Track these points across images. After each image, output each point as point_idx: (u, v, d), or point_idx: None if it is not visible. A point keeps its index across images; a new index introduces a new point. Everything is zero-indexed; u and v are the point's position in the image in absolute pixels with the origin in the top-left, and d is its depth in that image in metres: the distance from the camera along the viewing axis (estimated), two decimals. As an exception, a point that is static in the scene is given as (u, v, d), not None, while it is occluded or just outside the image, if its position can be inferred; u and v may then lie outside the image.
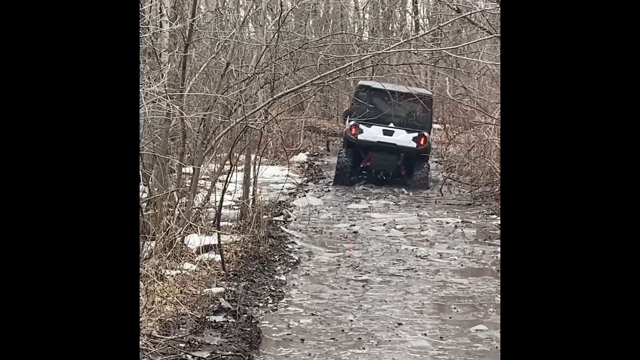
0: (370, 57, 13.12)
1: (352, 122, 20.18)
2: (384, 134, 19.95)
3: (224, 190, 12.34)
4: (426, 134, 20.11)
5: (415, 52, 13.44)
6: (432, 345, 8.96)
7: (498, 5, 12.71)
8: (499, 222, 16.03)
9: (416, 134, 19.89)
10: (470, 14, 13.56)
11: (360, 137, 20.05)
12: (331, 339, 8.99)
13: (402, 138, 19.95)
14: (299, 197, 18.19)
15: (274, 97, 13.19)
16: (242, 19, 14.28)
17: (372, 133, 19.96)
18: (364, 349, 8.70)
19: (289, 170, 19.04)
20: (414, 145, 19.98)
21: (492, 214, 16.99)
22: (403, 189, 20.09)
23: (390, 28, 34.80)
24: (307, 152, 25.53)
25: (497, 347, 8.94)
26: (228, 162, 12.98)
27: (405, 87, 19.46)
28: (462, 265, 12.76)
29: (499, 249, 13.78)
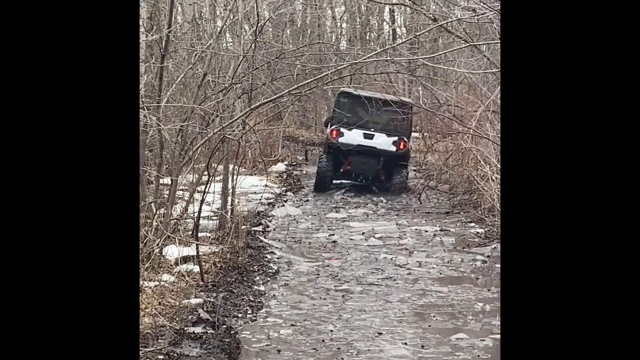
0: (348, 66, 13.12)
1: (333, 127, 20.51)
2: (365, 137, 20.27)
3: (202, 201, 12.31)
4: (406, 139, 20.45)
5: (393, 61, 13.46)
6: (412, 354, 8.95)
7: (474, 14, 12.74)
8: (477, 230, 16.07)
9: (396, 138, 20.25)
10: (447, 23, 13.60)
11: (341, 140, 20.36)
12: (313, 349, 8.96)
13: (382, 142, 20.27)
14: (278, 207, 18.17)
15: (252, 107, 13.18)
16: (219, 29, 14.26)
17: (353, 136, 20.25)
18: (342, 359, 8.68)
19: (267, 180, 19.02)
20: (394, 149, 20.31)
21: (471, 222, 17.02)
22: (382, 198, 20.12)
23: (367, 37, 34.85)
24: (286, 162, 25.51)
25: (478, 356, 8.94)
26: (206, 172, 12.94)
27: (386, 95, 19.56)
28: (440, 273, 12.76)
29: (477, 257, 13.82)
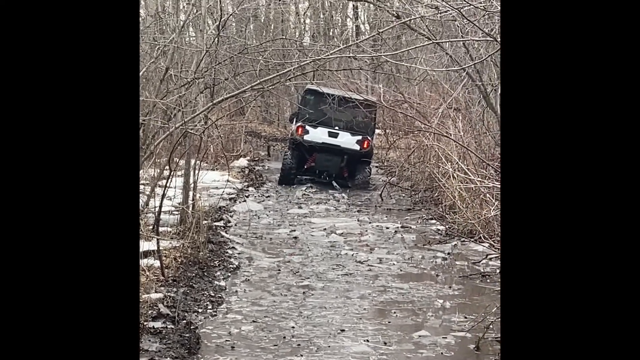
0: (311, 62, 13.11)
1: (298, 123, 20.88)
2: (329, 135, 20.73)
3: (163, 196, 12.26)
4: (369, 138, 20.90)
5: (355, 57, 13.47)
6: (374, 351, 8.97)
7: (437, 12, 12.77)
8: (438, 228, 16.13)
9: (360, 137, 20.70)
10: (410, 20, 13.62)
11: (306, 137, 20.79)
12: (274, 345, 8.96)
13: (346, 140, 20.72)
14: (240, 202, 18.14)
15: (214, 102, 13.12)
16: (182, 23, 14.20)
17: (318, 134, 20.70)
18: (302, 355, 8.69)
19: (229, 175, 18.98)
20: (358, 148, 20.76)
21: (432, 219, 17.09)
22: (343, 195, 20.16)
23: (331, 34, 34.87)
24: (248, 157, 25.47)
25: (442, 354, 8.98)
26: (167, 167, 12.89)
27: (351, 93, 19.73)
28: (401, 270, 12.80)
29: (438, 254, 13.87)
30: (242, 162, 24.27)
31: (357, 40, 22.80)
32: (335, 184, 21.22)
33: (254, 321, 9.76)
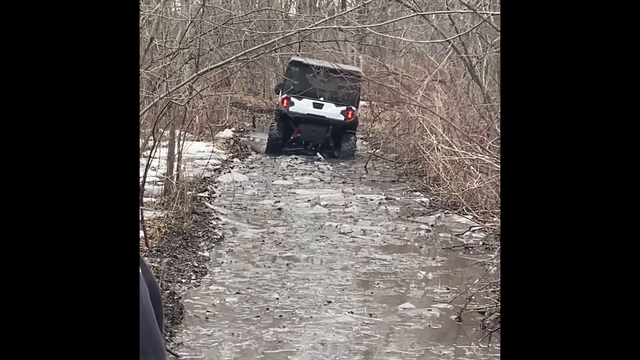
0: (296, 33, 13.10)
1: (284, 95, 21.14)
2: (314, 106, 21.01)
3: (147, 166, 12.27)
4: (354, 108, 21.19)
5: (341, 29, 13.46)
6: (357, 321, 9.04)
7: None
8: (422, 200, 16.18)
9: (344, 108, 20.98)
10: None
11: (291, 109, 21.07)
12: (256, 317, 9.01)
13: (331, 111, 21.02)
14: (224, 173, 18.14)
15: (199, 72, 13.11)
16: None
17: (303, 106, 20.97)
18: (284, 327, 8.74)
19: (214, 146, 18.98)
20: (342, 118, 21.09)
21: (416, 191, 17.13)
22: (329, 166, 20.19)
23: (317, 5, 34.77)
24: (233, 128, 25.42)
25: (429, 326, 9.05)
26: (152, 137, 12.88)
27: (335, 64, 19.80)
28: (384, 242, 12.85)
29: (421, 226, 13.93)
30: (227, 133, 24.24)
31: (342, 11, 22.74)
32: (320, 155, 21.30)
33: (237, 292, 9.80)
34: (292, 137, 21.60)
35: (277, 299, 9.64)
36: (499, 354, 8.33)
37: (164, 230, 12.04)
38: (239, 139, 23.88)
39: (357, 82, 20.41)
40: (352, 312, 9.33)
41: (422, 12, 14.13)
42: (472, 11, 13.55)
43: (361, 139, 24.61)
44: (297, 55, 20.38)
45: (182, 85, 12.95)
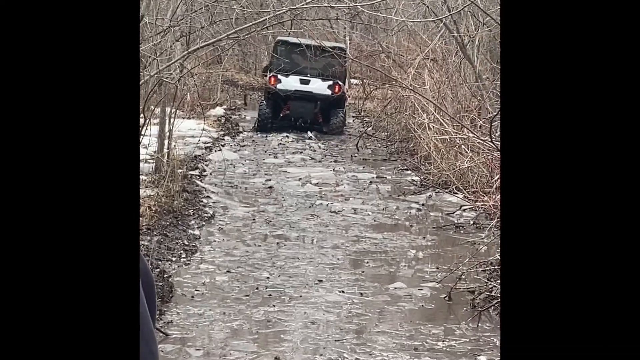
0: (287, 11, 13.05)
1: (271, 74, 21.62)
2: (301, 83, 21.47)
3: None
4: (340, 82, 21.63)
5: (332, 6, 13.41)
6: (347, 300, 9.04)
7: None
8: (413, 178, 16.18)
9: (331, 82, 21.45)
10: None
11: (279, 86, 21.50)
12: (246, 296, 9.01)
13: (318, 86, 21.48)
14: (215, 151, 18.11)
15: (189, 50, 13.07)
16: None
17: (290, 82, 21.42)
18: (274, 306, 8.74)
19: (205, 124, 18.93)
20: (329, 92, 21.55)
21: (407, 170, 17.12)
22: (320, 145, 20.18)
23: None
24: (224, 106, 25.37)
25: (422, 306, 9.06)
26: (142, 115, 12.83)
27: (320, 41, 19.81)
28: (375, 220, 12.85)
29: (412, 205, 13.93)
30: (219, 110, 24.18)
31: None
32: (310, 133, 21.33)
33: (228, 271, 9.80)
34: (281, 115, 21.91)
35: (268, 277, 9.64)
36: (488, 334, 8.36)
37: (154, 209, 12.01)
38: (230, 117, 23.84)
39: (342, 58, 20.57)
40: (342, 292, 9.33)
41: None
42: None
43: (353, 117, 24.60)
44: (289, 33, 20.45)
45: (173, 63, 12.90)
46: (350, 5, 13.73)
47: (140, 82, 12.66)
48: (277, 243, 11.16)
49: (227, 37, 12.96)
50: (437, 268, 10.40)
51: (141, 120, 13.26)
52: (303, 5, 12.57)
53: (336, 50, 19.46)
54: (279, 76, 21.38)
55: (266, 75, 22.47)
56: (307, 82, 21.43)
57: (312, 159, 18.36)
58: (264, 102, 21.97)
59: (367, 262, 10.55)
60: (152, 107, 14.07)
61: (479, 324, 8.55)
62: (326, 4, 12.94)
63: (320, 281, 9.64)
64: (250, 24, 13.28)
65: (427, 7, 18.33)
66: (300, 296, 9.08)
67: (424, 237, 11.96)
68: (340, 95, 21.73)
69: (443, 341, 8.12)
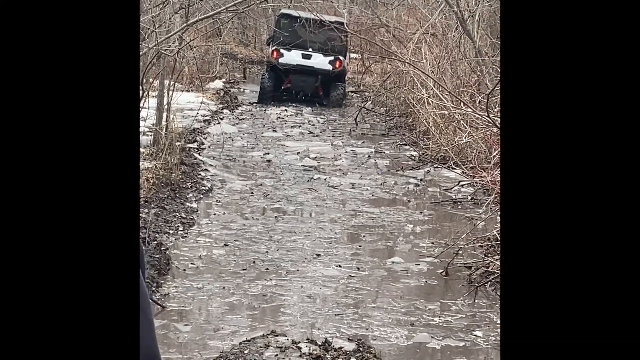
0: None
1: (273, 47, 22.04)
2: (303, 57, 21.88)
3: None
4: (341, 58, 21.99)
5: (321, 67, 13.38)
6: (343, 275, 9.05)
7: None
8: (412, 153, 16.16)
9: (332, 58, 21.83)
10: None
11: (281, 60, 21.91)
12: (243, 269, 9.01)
13: (320, 61, 21.91)
14: (214, 124, 18.08)
15: (188, 22, 13.01)
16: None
17: (292, 57, 21.83)
18: (271, 279, 8.75)
19: (203, 97, 18.88)
20: (330, 68, 21.99)
21: (405, 145, 17.10)
22: (319, 119, 20.15)
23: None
24: (224, 80, 25.31)
25: (419, 281, 9.06)
26: (140, 87, 12.79)
27: (322, 15, 19.93)
28: (373, 195, 12.84)
29: (410, 180, 13.92)
30: (218, 84, 24.13)
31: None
32: (309, 109, 21.46)
33: (225, 245, 9.79)
34: (282, 87, 22.34)
35: (266, 252, 9.64)
36: (485, 309, 8.37)
37: (152, 181, 12.00)
38: (229, 90, 23.79)
39: (344, 33, 20.78)
40: (339, 266, 9.33)
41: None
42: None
43: (352, 92, 24.56)
44: (290, 7, 20.52)
45: (171, 35, 12.86)
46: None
47: (139, 55, 12.60)
48: (275, 217, 11.16)
49: (226, 10, 12.92)
50: (433, 243, 10.40)
51: (140, 93, 13.22)
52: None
53: (335, 25, 19.52)
54: (281, 50, 21.74)
55: (268, 48, 22.91)
56: (309, 57, 21.83)
57: (311, 133, 18.32)
58: (266, 74, 22.34)
59: (364, 237, 10.55)
60: (151, 79, 14.03)
61: (475, 300, 8.56)
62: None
63: (318, 255, 9.64)
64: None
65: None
66: (298, 270, 9.09)
67: (421, 212, 11.96)
68: (341, 70, 22.13)
69: (439, 317, 8.14)
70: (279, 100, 21.96)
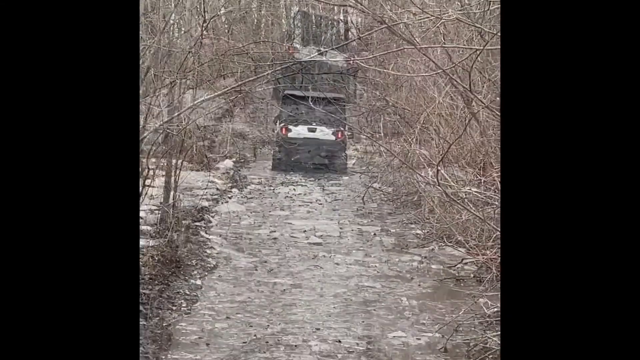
0: (293, 64, 13.26)
1: (282, 124, 24.68)
2: (309, 131, 24.48)
3: (140, 194, 12.35)
4: (342, 129, 24.61)
5: (337, 61, 13.64)
6: (343, 348, 9.11)
7: (420, 17, 12.86)
8: (417, 232, 16.24)
9: (334, 129, 24.43)
10: (393, 25, 13.72)
11: (290, 135, 24.53)
12: (243, 343, 9.09)
13: (324, 134, 24.55)
14: (223, 203, 18.24)
15: (195, 102, 13.25)
16: (165, 23, 14.30)
17: (299, 131, 24.47)
18: (272, 352, 8.82)
19: (211, 176, 19.05)
20: (334, 138, 24.65)
21: (411, 223, 17.17)
22: (326, 198, 20.29)
23: (322, 38, 34.90)
24: (234, 159, 25.51)
25: (418, 354, 9.11)
26: (147, 166, 12.98)
27: (322, 93, 23.01)
28: (377, 272, 12.93)
29: (414, 257, 14.00)
30: (228, 163, 24.34)
31: (345, 42, 24.41)
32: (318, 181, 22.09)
33: (227, 317, 9.88)
34: (292, 159, 24.58)
35: (268, 326, 9.73)
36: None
37: (157, 258, 12.12)
38: (239, 170, 23.99)
39: (342, 105, 23.39)
40: (339, 341, 9.40)
41: (418, 45, 14.22)
42: (469, 47, 13.66)
43: (360, 173, 24.84)
44: (299, 88, 21.24)
45: (178, 114, 13.08)
46: (351, 60, 13.96)
47: (147, 133, 12.83)
48: (283, 290, 11.28)
49: (233, 90, 13.16)
50: (434, 320, 10.46)
51: (147, 171, 13.40)
52: (310, 59, 12.79)
53: (336, 100, 21.43)
54: (289, 126, 24.25)
55: (276, 125, 25.39)
56: (314, 130, 24.33)
57: (318, 212, 18.44)
58: (277, 148, 24.84)
59: (367, 312, 10.63)
60: (160, 158, 14.23)
61: (473, 375, 8.60)
62: (331, 59, 13.17)
63: (318, 329, 9.71)
64: (256, 77, 13.48)
65: (435, 63, 18.47)
66: (297, 345, 9.15)
67: (423, 289, 12.03)
68: (342, 139, 24.66)
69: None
70: (290, 169, 23.89)
